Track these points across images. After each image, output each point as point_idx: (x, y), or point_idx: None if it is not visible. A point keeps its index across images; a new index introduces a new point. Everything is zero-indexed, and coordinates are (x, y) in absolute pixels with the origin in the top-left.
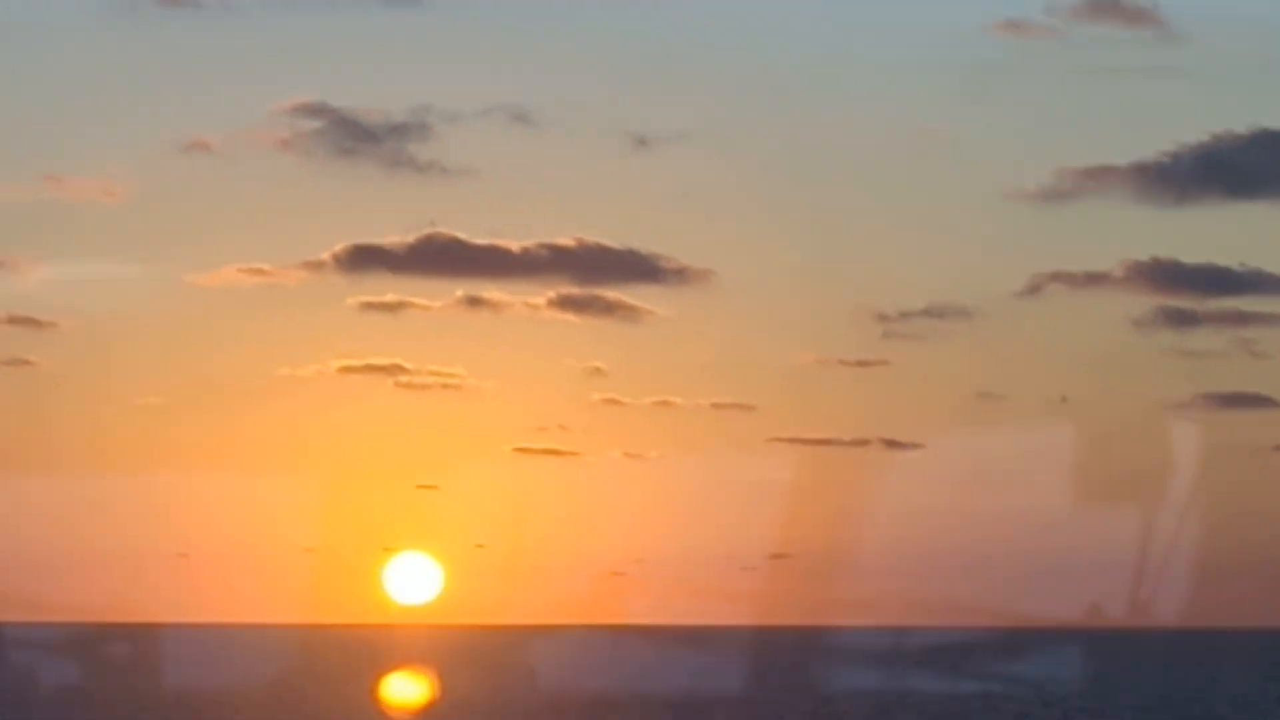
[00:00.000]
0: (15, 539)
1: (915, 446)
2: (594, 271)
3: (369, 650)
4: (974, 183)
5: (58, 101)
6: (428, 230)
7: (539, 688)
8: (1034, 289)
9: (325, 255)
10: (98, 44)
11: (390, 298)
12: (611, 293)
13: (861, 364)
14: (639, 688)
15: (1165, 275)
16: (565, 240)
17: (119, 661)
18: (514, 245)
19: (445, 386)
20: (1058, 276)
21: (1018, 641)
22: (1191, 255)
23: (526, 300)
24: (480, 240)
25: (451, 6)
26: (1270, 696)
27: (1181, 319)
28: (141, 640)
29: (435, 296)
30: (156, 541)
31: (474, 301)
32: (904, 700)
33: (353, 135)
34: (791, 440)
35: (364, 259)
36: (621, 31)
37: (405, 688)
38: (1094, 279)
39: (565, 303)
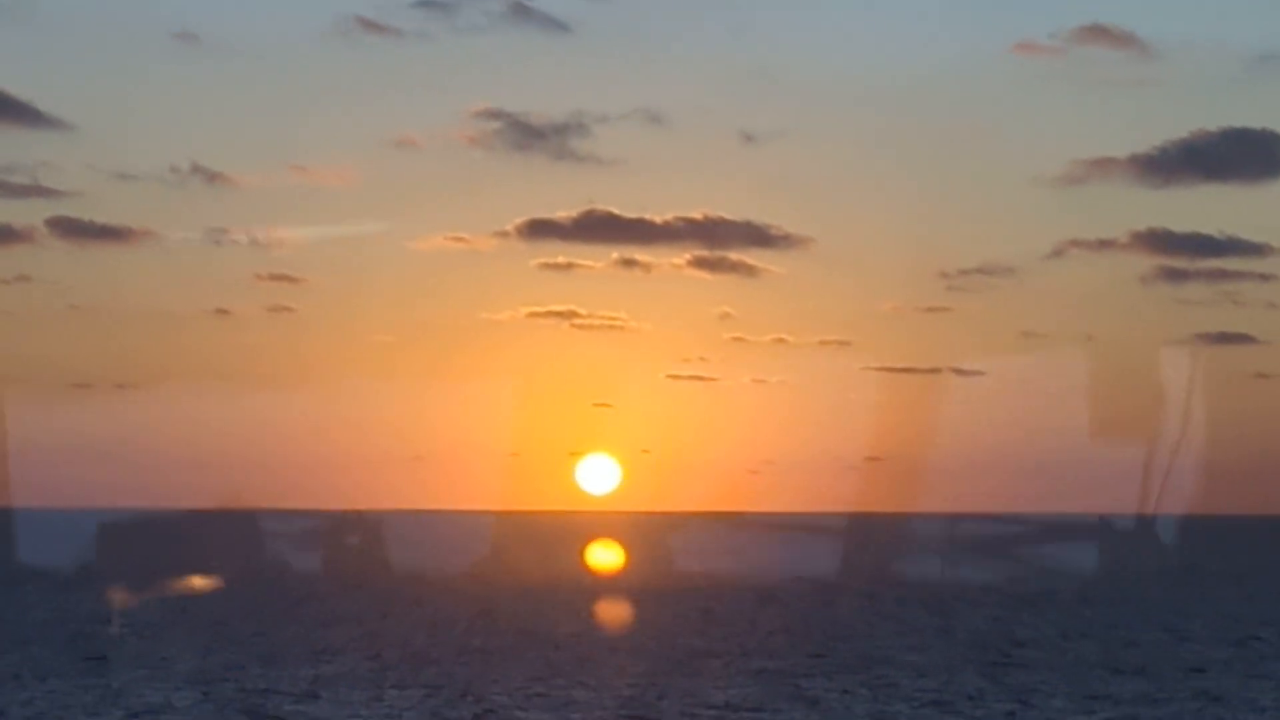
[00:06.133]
0: (283, 444)
1: (977, 374)
2: (719, 238)
3: (563, 531)
4: (1008, 170)
5: (297, 105)
6: (588, 207)
7: (674, 569)
8: (1059, 252)
9: (509, 227)
10: (321, 61)
11: (562, 259)
12: (734, 255)
13: (931, 310)
14: (757, 568)
15: (1160, 241)
16: (695, 214)
17: (364, 541)
18: (656, 218)
19: (610, 327)
20: (1076, 243)
21: (1051, 527)
22: (1180, 226)
23: (669, 261)
24: (630, 214)
25: (597, 32)
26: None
27: (1175, 275)
28: (386, 523)
29: (597, 258)
30: (397, 447)
31: (628, 262)
32: (963, 567)
33: (525, 134)
34: (880, 369)
35: (539, 229)
36: (732, 54)
37: (596, 559)
38: (1105, 244)
39: (699, 262)
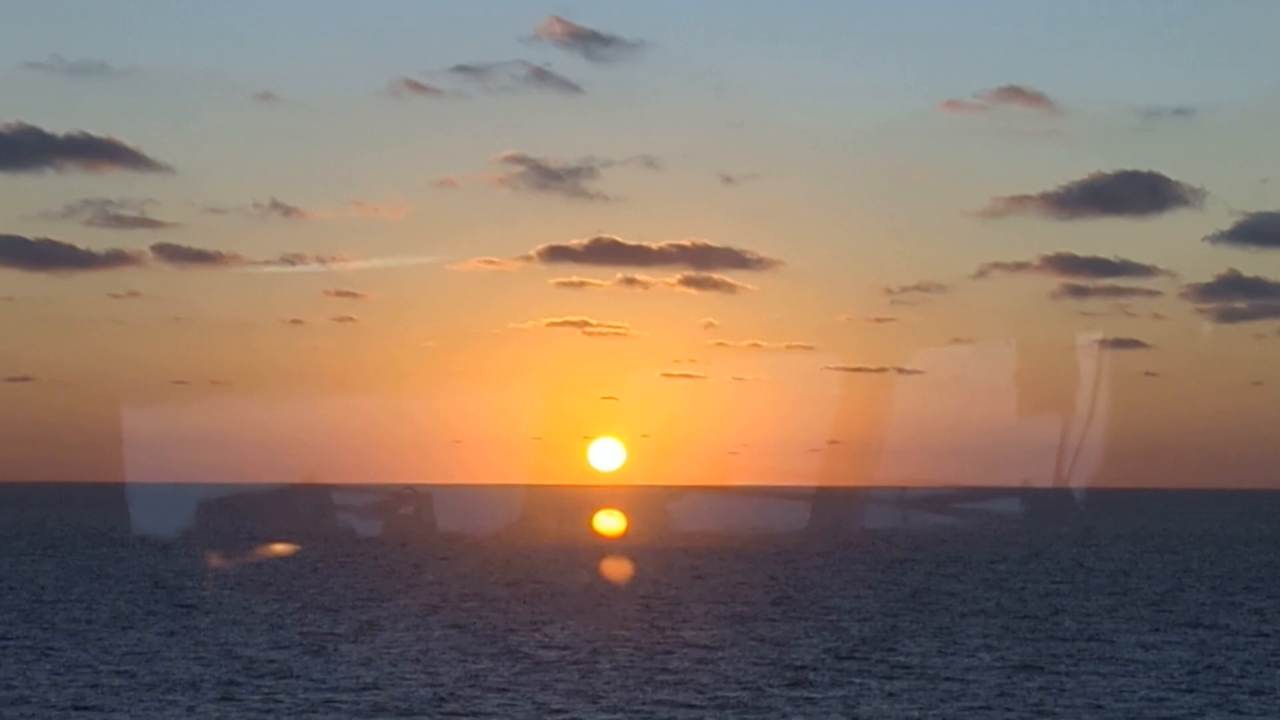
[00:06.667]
0: (347, 430)
1: (917, 372)
2: (704, 261)
3: (576, 502)
4: (940, 205)
5: (357, 152)
6: (597, 235)
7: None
8: (983, 273)
9: (532, 252)
10: (376, 116)
11: (575, 279)
12: (717, 275)
13: (879, 320)
14: (734, 532)
15: (1066, 264)
16: (685, 242)
17: (414, 510)
18: (653, 245)
19: (615, 334)
20: (998, 265)
21: (978, 496)
22: (1083, 251)
23: (663, 280)
24: (631, 242)
25: (604, 92)
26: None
27: (1079, 291)
28: (432, 496)
29: (604, 278)
30: (441, 432)
31: (630, 281)
32: (904, 532)
33: (545, 175)
34: (839, 369)
35: (557, 254)
36: (714, 111)
37: (603, 524)
38: (1020, 266)
39: (688, 281)
